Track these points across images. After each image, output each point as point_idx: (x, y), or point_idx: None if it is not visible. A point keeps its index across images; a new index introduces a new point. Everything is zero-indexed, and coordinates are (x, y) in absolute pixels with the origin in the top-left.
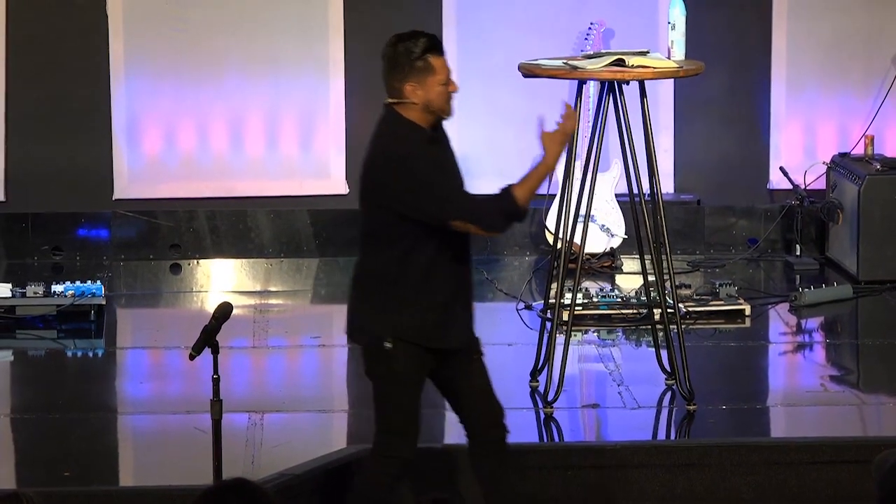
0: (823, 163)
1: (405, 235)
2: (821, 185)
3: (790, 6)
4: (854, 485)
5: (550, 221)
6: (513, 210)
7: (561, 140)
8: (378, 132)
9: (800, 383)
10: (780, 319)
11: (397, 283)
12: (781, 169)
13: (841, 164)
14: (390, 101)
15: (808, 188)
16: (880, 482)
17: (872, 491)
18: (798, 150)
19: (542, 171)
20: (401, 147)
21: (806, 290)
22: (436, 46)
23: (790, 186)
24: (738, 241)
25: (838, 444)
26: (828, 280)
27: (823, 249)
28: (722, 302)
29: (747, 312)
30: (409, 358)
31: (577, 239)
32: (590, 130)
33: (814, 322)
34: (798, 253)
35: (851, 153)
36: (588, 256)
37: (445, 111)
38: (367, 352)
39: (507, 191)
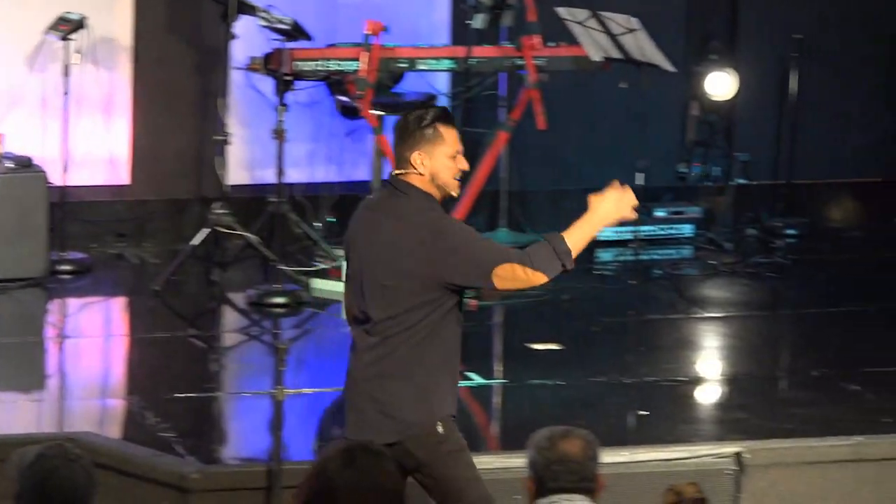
0: None
1: (432, 314)
2: None
3: None
4: None
5: None
6: (563, 252)
7: (616, 203)
8: (390, 204)
9: None
10: None
11: (430, 362)
12: None
13: None
14: (396, 172)
15: None
16: (19, 477)
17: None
18: None
19: (591, 226)
20: (430, 214)
21: None
22: (447, 117)
23: None
24: None
25: None
26: None
27: None
28: None
29: None
30: (455, 429)
31: None
32: None
33: None
34: None
35: None
36: None
37: (450, 186)
38: (414, 444)
39: (555, 235)
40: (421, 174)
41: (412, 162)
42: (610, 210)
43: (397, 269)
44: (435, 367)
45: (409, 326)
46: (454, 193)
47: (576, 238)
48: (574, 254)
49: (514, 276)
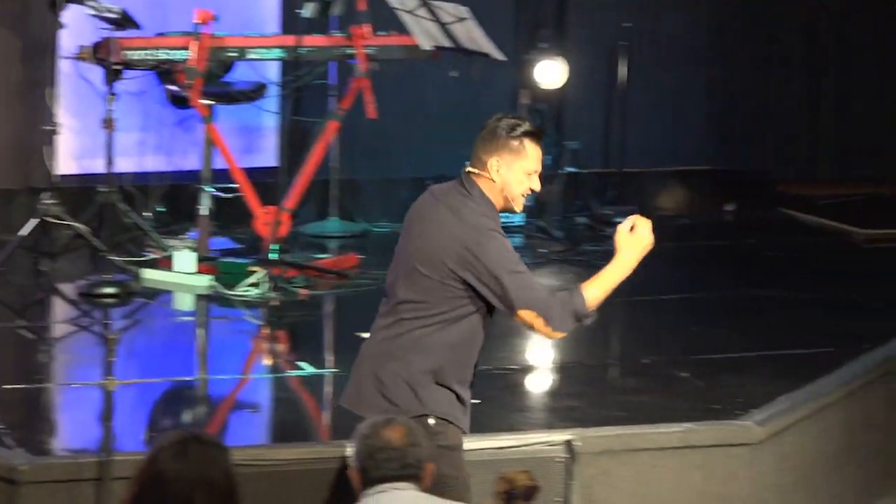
0: None
1: (451, 312)
2: None
3: None
4: None
5: None
6: (584, 313)
7: (643, 249)
8: (451, 196)
9: None
10: None
11: (434, 356)
12: None
13: None
14: (470, 169)
15: None
16: None
17: None
18: None
19: (619, 276)
20: (482, 220)
21: None
22: (537, 135)
23: None
24: None
25: None
26: None
27: None
28: None
29: None
30: (452, 430)
31: None
32: None
33: None
34: None
35: None
36: None
37: (517, 202)
38: None
39: (578, 291)
40: (492, 180)
41: (488, 165)
42: (638, 255)
43: (432, 259)
44: (438, 364)
45: (424, 315)
46: (517, 209)
47: (602, 291)
48: (596, 305)
49: (535, 325)
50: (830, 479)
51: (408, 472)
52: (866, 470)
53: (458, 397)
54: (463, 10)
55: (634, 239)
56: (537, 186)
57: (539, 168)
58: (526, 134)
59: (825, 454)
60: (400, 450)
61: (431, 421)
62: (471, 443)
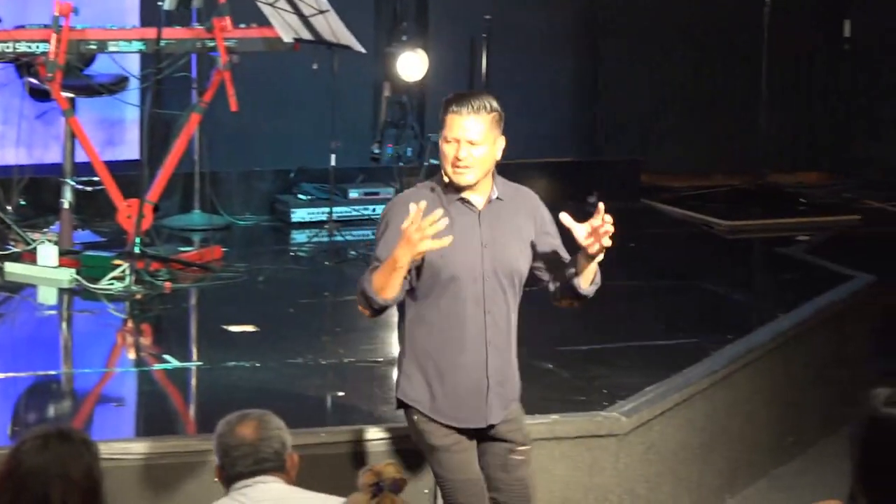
0: None
1: (411, 293)
2: None
3: None
4: None
5: None
6: (369, 295)
7: (408, 244)
8: None
9: None
10: None
11: (418, 346)
12: None
13: None
14: None
15: None
16: None
17: None
18: None
19: (388, 266)
20: (410, 191)
21: None
22: (455, 101)
23: None
24: None
25: None
26: None
27: None
28: None
29: None
30: (433, 428)
31: None
32: None
33: None
34: None
35: None
36: None
37: (447, 172)
38: (406, 421)
39: (368, 275)
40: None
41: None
42: (403, 251)
43: None
44: (413, 352)
45: (401, 302)
46: (454, 181)
47: (378, 277)
48: (378, 289)
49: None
50: (697, 468)
51: (265, 467)
52: (732, 459)
53: (437, 389)
54: (324, 3)
55: (404, 237)
56: (461, 155)
57: (459, 135)
58: (447, 104)
59: (691, 444)
60: (252, 445)
61: (415, 418)
62: (337, 435)
